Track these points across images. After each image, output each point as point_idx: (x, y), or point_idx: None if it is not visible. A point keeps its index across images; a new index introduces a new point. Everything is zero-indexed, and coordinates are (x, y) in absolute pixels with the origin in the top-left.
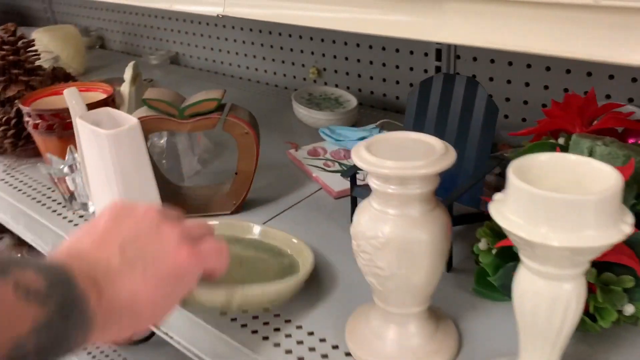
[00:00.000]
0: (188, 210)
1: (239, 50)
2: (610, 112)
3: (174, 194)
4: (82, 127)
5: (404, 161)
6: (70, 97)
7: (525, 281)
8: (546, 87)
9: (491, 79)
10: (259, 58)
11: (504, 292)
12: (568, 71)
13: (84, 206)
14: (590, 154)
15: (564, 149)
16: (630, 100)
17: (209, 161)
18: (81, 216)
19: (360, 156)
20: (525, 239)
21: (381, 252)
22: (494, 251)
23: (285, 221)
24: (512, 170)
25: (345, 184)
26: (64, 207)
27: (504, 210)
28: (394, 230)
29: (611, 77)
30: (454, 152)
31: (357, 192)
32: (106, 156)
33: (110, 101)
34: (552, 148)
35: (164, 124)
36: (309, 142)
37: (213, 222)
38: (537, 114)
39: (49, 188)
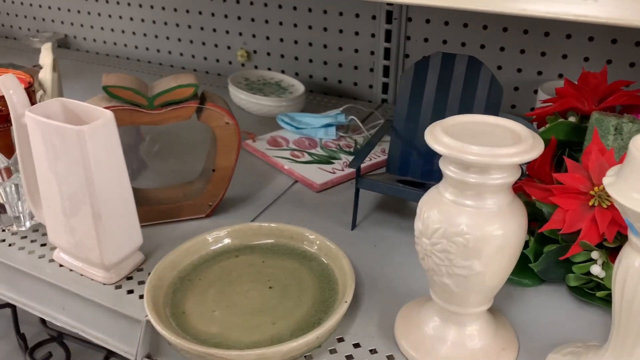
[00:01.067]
0: (155, 217)
1: (148, 32)
2: (619, 89)
3: (135, 199)
4: (34, 123)
5: (492, 147)
6: (7, 86)
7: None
8: (502, 49)
9: (445, 42)
10: (174, 40)
11: (543, 277)
12: (525, 32)
13: (17, 220)
14: (616, 131)
15: (580, 128)
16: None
17: (154, 158)
18: (14, 233)
19: (439, 140)
20: None
21: (467, 250)
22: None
23: (271, 221)
24: (637, 146)
25: (326, 175)
26: None
27: (625, 189)
28: (479, 224)
29: (543, 54)
30: (540, 138)
31: (363, 183)
32: (75, 157)
33: (31, 92)
34: (571, 127)
35: (132, 116)
36: (259, 131)
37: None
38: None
39: None
